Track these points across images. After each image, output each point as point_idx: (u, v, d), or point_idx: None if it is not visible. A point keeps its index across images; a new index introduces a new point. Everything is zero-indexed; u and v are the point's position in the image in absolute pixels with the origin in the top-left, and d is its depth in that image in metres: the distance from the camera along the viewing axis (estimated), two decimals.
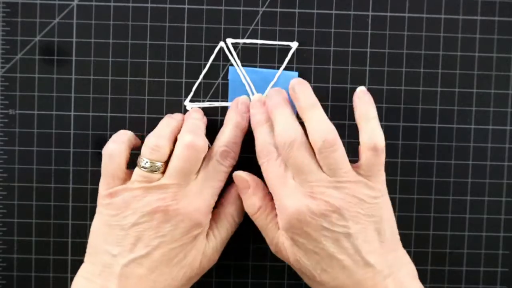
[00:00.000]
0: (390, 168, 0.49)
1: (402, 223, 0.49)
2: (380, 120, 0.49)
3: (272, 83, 0.49)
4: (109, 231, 0.43)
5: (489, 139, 0.50)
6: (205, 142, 0.44)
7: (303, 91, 0.45)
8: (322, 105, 0.49)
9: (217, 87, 0.49)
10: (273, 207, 0.45)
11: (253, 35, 0.49)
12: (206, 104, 0.49)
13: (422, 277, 0.49)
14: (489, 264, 0.50)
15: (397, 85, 0.49)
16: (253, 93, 0.49)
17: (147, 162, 0.43)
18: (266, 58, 0.49)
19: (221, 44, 0.49)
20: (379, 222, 0.43)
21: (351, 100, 0.49)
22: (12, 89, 0.49)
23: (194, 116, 0.47)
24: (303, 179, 0.43)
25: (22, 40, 0.49)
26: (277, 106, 0.45)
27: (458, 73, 0.49)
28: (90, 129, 0.49)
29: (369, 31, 0.49)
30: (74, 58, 0.49)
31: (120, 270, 0.42)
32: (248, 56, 0.49)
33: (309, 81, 0.49)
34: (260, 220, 0.46)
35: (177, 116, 0.47)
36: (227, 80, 0.49)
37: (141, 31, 0.49)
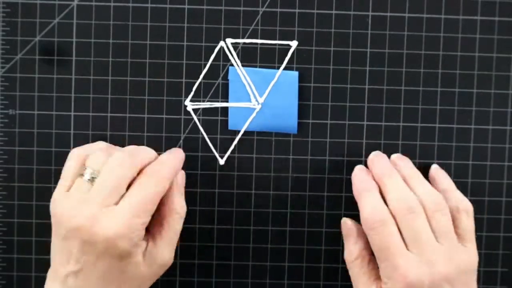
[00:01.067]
0: None
1: None
2: (380, 120, 0.49)
3: (272, 82, 0.49)
4: (54, 239, 0.43)
5: (489, 139, 0.50)
6: (140, 157, 0.43)
7: (405, 163, 0.48)
8: (322, 106, 0.49)
9: (217, 87, 0.49)
10: (370, 259, 0.46)
11: (253, 35, 0.49)
12: (207, 105, 0.49)
13: None
14: (489, 264, 0.50)
15: (397, 85, 0.49)
16: (253, 93, 0.49)
17: (86, 169, 0.43)
18: (266, 58, 0.49)
19: (221, 44, 0.49)
20: None
21: (351, 101, 0.49)
22: (12, 89, 0.49)
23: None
24: (420, 246, 0.43)
25: (22, 40, 0.49)
26: (388, 173, 0.46)
27: (458, 73, 0.49)
28: (90, 129, 0.49)
29: (369, 31, 0.49)
30: (74, 58, 0.49)
31: (63, 278, 0.42)
32: (248, 56, 0.49)
33: (309, 81, 0.49)
34: (356, 268, 0.46)
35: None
36: (227, 80, 0.49)
37: (141, 31, 0.49)
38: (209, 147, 0.49)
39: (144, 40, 0.49)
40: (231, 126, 0.49)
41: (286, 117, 0.49)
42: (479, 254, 0.50)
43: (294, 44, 0.49)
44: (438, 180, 0.48)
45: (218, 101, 0.49)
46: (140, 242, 0.43)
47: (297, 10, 0.49)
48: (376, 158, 0.48)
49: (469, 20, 0.49)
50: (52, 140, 0.49)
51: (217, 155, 0.49)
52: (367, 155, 0.49)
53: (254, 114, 0.49)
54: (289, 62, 0.49)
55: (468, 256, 0.44)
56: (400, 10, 0.49)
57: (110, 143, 0.49)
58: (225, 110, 0.49)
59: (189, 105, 0.49)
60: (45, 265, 0.49)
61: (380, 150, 0.49)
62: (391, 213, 0.44)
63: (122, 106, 0.49)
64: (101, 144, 0.46)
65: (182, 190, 0.47)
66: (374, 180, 0.47)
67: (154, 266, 0.44)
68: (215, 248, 0.50)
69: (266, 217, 0.50)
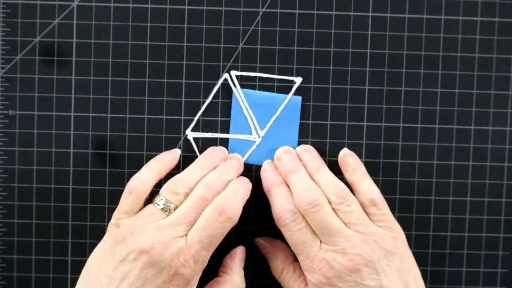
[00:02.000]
0: (390, 169, 0.49)
1: (402, 224, 0.49)
2: (380, 120, 0.49)
3: (274, 116, 0.49)
4: (105, 260, 0.43)
5: (489, 140, 0.50)
6: (235, 214, 0.44)
7: (310, 155, 0.48)
8: (322, 106, 0.49)
9: (216, 106, 0.49)
10: (296, 268, 0.47)
11: (253, 36, 0.49)
12: (208, 135, 0.49)
13: (422, 277, 0.49)
14: (489, 265, 0.50)
15: (397, 86, 0.49)
16: (255, 128, 0.49)
17: (162, 199, 0.44)
18: (266, 60, 0.49)
19: (225, 76, 0.49)
20: (405, 274, 0.44)
21: (351, 101, 0.49)
22: (12, 89, 0.49)
23: (224, 169, 0.47)
24: (331, 237, 0.43)
25: (22, 41, 0.49)
26: (292, 169, 0.46)
27: (458, 74, 0.49)
28: (90, 130, 0.49)
29: (369, 32, 0.49)
30: (74, 58, 0.49)
31: None
32: (248, 60, 0.49)
33: (309, 82, 0.49)
34: (284, 281, 0.47)
35: (215, 156, 0.47)
36: (227, 100, 0.49)
37: (141, 32, 0.49)
38: None
39: (144, 41, 0.49)
40: None
41: None
42: (479, 255, 0.50)
43: (298, 80, 0.49)
44: (345, 169, 0.48)
45: (218, 133, 0.49)
46: (200, 273, 0.44)
47: (297, 11, 0.49)
48: (283, 154, 0.48)
49: (469, 21, 0.49)
50: (52, 140, 0.49)
51: None
52: (367, 156, 0.49)
53: (254, 147, 0.49)
54: (289, 63, 0.49)
55: (387, 238, 0.44)
56: (400, 10, 0.49)
57: (110, 143, 0.49)
58: (224, 142, 0.49)
59: (190, 135, 0.49)
60: (45, 265, 0.49)
61: (380, 151, 0.49)
62: None
63: (122, 107, 0.49)
64: (154, 166, 0.46)
65: (243, 264, 0.48)
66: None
67: None
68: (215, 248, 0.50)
69: (266, 217, 0.50)
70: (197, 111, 0.49)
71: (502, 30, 0.49)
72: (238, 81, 0.49)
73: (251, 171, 0.49)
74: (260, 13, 0.49)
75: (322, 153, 0.49)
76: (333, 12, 0.49)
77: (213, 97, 0.49)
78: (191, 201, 0.44)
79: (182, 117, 0.49)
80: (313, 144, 0.49)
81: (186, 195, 0.44)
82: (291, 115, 0.49)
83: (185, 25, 0.49)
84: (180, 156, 0.48)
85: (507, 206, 0.50)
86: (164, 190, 0.45)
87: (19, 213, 0.50)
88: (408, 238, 0.50)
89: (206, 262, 0.44)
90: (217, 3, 0.49)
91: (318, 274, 0.43)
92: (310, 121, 0.49)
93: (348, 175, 0.47)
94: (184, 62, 0.49)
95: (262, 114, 0.49)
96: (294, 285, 0.46)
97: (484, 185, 0.50)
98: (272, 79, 0.49)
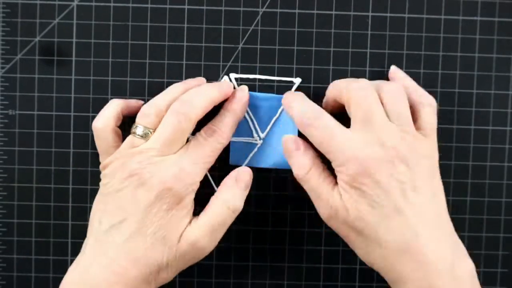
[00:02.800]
0: None
1: None
2: None
3: (274, 118, 0.49)
4: (101, 201, 0.44)
5: (489, 139, 0.50)
6: (195, 110, 0.44)
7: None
8: (322, 106, 0.49)
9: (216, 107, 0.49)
10: (324, 168, 0.44)
11: (253, 36, 0.49)
12: None
13: None
14: (489, 264, 0.50)
15: None
16: (256, 130, 0.49)
17: (137, 127, 0.44)
18: (266, 60, 0.49)
19: (225, 78, 0.49)
20: (436, 187, 0.43)
21: None
22: (12, 89, 0.49)
23: (204, 86, 0.46)
24: (371, 125, 0.42)
25: (22, 41, 0.49)
26: (349, 79, 0.46)
27: (458, 74, 0.49)
28: (90, 130, 0.49)
29: (369, 32, 0.49)
30: (74, 58, 0.49)
31: (101, 236, 0.42)
32: (249, 59, 0.49)
33: (309, 82, 0.49)
34: (313, 180, 0.44)
35: (189, 81, 0.47)
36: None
37: (141, 32, 0.49)
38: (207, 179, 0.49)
39: (144, 41, 0.49)
40: (232, 161, 0.49)
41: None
42: (479, 255, 0.50)
43: (297, 81, 0.49)
44: (398, 79, 0.47)
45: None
46: (193, 196, 0.44)
47: (297, 11, 0.49)
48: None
49: (469, 20, 0.49)
50: (52, 140, 0.49)
51: (216, 188, 0.49)
52: None
53: (255, 150, 0.49)
54: (289, 63, 0.49)
55: (425, 143, 0.43)
56: (400, 10, 0.49)
57: None
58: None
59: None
60: (45, 265, 0.49)
61: None
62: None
63: None
64: (116, 104, 0.47)
65: (242, 186, 0.46)
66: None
67: (185, 244, 0.43)
68: (215, 248, 0.50)
69: (266, 217, 0.50)
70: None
71: (502, 30, 0.49)
72: (237, 83, 0.49)
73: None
74: (260, 13, 0.49)
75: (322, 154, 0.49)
76: (333, 12, 0.49)
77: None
78: (167, 119, 0.43)
79: None
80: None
81: (159, 115, 0.44)
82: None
83: (185, 25, 0.49)
84: None
85: (507, 206, 0.50)
86: (138, 117, 0.44)
87: (19, 213, 0.50)
88: None
89: (198, 180, 0.43)
90: (217, 3, 0.49)
91: (352, 165, 0.41)
92: None
93: (402, 82, 0.47)
94: (184, 62, 0.49)
95: (262, 116, 0.49)
96: (324, 183, 0.43)
97: (484, 184, 0.50)
98: (272, 81, 0.49)
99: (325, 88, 0.49)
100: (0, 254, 0.50)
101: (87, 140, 0.49)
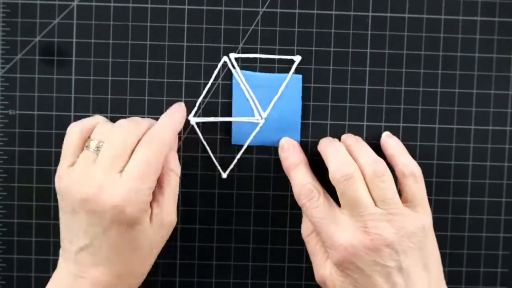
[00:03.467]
0: (390, 169, 0.49)
1: None
2: (380, 120, 0.49)
3: (275, 98, 0.49)
4: (63, 217, 0.44)
5: (489, 139, 0.50)
6: (139, 124, 0.44)
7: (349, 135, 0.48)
8: (322, 106, 0.49)
9: (217, 87, 0.49)
10: None
11: (253, 36, 0.49)
12: (210, 119, 0.49)
13: None
14: (489, 264, 0.50)
15: (397, 85, 0.49)
16: (257, 109, 0.49)
17: (91, 141, 0.43)
18: (266, 59, 0.49)
19: (224, 58, 0.49)
20: (427, 256, 0.44)
21: (351, 101, 0.49)
22: (12, 89, 0.49)
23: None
24: (357, 213, 0.43)
25: (22, 41, 0.49)
26: (331, 145, 0.47)
27: (458, 74, 0.49)
28: None
29: (369, 32, 0.49)
30: (74, 58, 0.49)
31: (74, 257, 0.42)
32: (249, 59, 0.49)
33: (309, 82, 0.49)
34: (311, 244, 0.46)
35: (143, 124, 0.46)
36: (227, 81, 0.49)
37: (141, 32, 0.49)
38: (209, 157, 0.49)
39: (144, 41, 0.49)
40: (234, 141, 0.49)
41: (289, 132, 0.49)
42: (479, 255, 0.50)
43: (297, 58, 0.49)
44: (386, 146, 0.48)
45: (219, 117, 0.49)
46: (147, 207, 0.43)
47: (297, 11, 0.49)
48: (324, 139, 0.48)
49: (469, 20, 0.49)
50: (52, 140, 0.49)
51: (219, 168, 0.49)
52: None
53: (257, 129, 0.49)
54: (289, 62, 0.49)
55: (413, 219, 0.43)
56: (400, 10, 0.49)
57: None
58: (226, 126, 0.49)
59: (193, 120, 0.49)
60: (45, 265, 0.49)
61: (380, 150, 0.49)
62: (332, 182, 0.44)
63: (122, 106, 0.49)
64: (98, 118, 0.46)
65: (175, 147, 0.46)
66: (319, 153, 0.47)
67: (162, 229, 0.44)
68: (215, 248, 0.50)
69: (266, 217, 0.50)
70: (196, 113, 0.49)
71: (502, 30, 0.49)
72: (237, 64, 0.49)
73: (252, 153, 0.50)
74: (260, 13, 0.49)
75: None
76: (333, 12, 0.49)
77: (214, 79, 0.49)
78: (111, 135, 0.43)
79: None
80: (312, 144, 0.49)
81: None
82: (293, 94, 0.49)
83: (185, 25, 0.49)
84: (181, 140, 0.49)
85: (507, 206, 0.50)
86: (93, 132, 0.44)
87: (19, 213, 0.50)
88: None
89: (150, 196, 0.43)
90: (217, 3, 0.49)
91: (336, 252, 0.43)
92: (310, 121, 0.49)
93: (388, 151, 0.47)
94: (184, 62, 0.49)
95: (263, 95, 0.49)
96: (319, 252, 0.46)
97: (484, 185, 0.50)
98: (272, 60, 0.49)
99: (326, 88, 0.49)
100: (0, 254, 0.50)
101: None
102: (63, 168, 0.44)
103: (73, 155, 0.44)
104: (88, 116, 0.49)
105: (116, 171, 0.42)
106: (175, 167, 0.45)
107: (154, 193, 0.44)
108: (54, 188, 0.49)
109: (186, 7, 0.49)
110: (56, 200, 0.49)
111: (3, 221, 0.50)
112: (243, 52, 0.49)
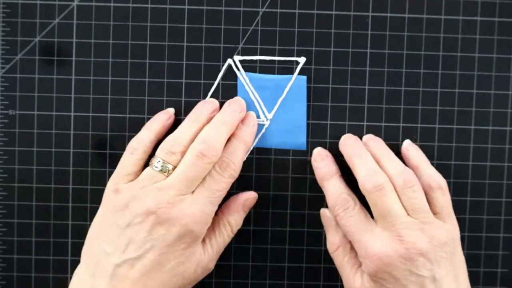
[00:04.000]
0: None
1: None
2: (380, 120, 0.49)
3: (280, 99, 0.49)
4: (107, 229, 0.43)
5: (489, 139, 0.50)
6: (216, 152, 0.44)
7: (376, 142, 0.48)
8: (322, 106, 0.49)
9: (222, 88, 0.49)
10: (352, 247, 0.46)
11: (253, 36, 0.49)
12: None
13: None
14: (489, 264, 0.50)
15: (397, 85, 0.49)
16: (263, 111, 0.49)
17: (159, 161, 0.44)
18: (266, 59, 0.49)
19: (229, 61, 0.49)
20: (457, 268, 0.44)
21: (351, 101, 0.49)
22: (12, 89, 0.49)
23: (220, 118, 0.46)
24: (390, 223, 0.43)
25: (22, 41, 0.49)
26: (357, 153, 0.47)
27: (458, 74, 0.49)
28: (90, 130, 0.49)
29: (369, 32, 0.49)
30: (74, 58, 0.49)
31: (112, 270, 0.42)
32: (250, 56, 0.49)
33: (309, 82, 0.49)
34: (339, 258, 0.46)
35: (206, 110, 0.47)
36: (229, 81, 0.49)
37: (141, 32, 0.49)
38: None
39: (144, 41, 0.49)
40: None
41: (295, 134, 0.49)
42: (479, 255, 0.50)
43: (302, 60, 0.49)
44: (410, 157, 0.48)
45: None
46: (206, 231, 0.44)
47: (297, 11, 0.49)
48: (347, 140, 0.48)
49: (469, 20, 0.49)
50: (52, 140, 0.49)
51: None
52: None
53: (263, 131, 0.49)
54: (289, 63, 0.49)
55: (444, 230, 0.44)
56: (400, 10, 0.49)
57: (110, 143, 0.49)
58: None
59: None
60: (45, 265, 0.49)
61: None
62: (362, 191, 0.45)
63: (122, 107, 0.49)
64: (153, 127, 0.47)
65: (246, 210, 0.48)
66: (346, 161, 0.47)
67: (199, 271, 0.45)
68: None
69: (266, 217, 0.50)
70: None
71: (502, 30, 0.49)
72: (241, 66, 0.49)
73: (252, 154, 0.50)
74: (260, 13, 0.49)
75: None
76: (333, 12, 0.49)
77: (213, 96, 0.49)
78: (189, 159, 0.44)
79: (182, 117, 0.49)
80: (313, 144, 0.49)
81: (182, 153, 0.44)
82: (298, 95, 0.49)
83: (185, 25, 0.49)
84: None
85: (507, 206, 0.50)
86: (159, 151, 0.45)
87: (19, 213, 0.50)
88: None
89: (211, 219, 0.44)
90: (217, 3, 0.49)
91: (371, 262, 0.43)
92: (310, 121, 0.49)
93: (412, 162, 0.47)
94: (184, 62, 0.49)
95: (268, 97, 0.49)
96: (347, 265, 0.46)
97: (484, 184, 0.50)
98: (275, 62, 0.49)
99: (326, 88, 0.49)
100: (0, 254, 0.50)
101: (87, 140, 0.49)
102: (123, 182, 0.44)
103: (133, 174, 0.45)
104: (88, 116, 0.49)
105: (187, 193, 0.43)
106: (235, 226, 0.47)
107: (204, 236, 0.45)
108: (54, 188, 0.49)
109: (186, 7, 0.49)
110: (56, 201, 0.49)
111: (3, 221, 0.50)
112: (243, 52, 0.49)
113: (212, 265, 0.46)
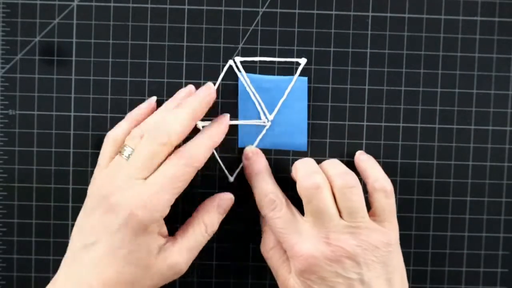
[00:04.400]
0: (390, 169, 0.49)
1: (402, 224, 0.49)
2: (380, 120, 0.49)
3: (281, 100, 0.49)
4: (80, 219, 0.44)
5: (489, 139, 0.50)
6: (168, 132, 0.43)
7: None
8: (322, 106, 0.49)
9: (218, 87, 0.49)
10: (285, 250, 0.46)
11: (253, 36, 0.49)
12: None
13: (422, 277, 0.49)
14: (489, 264, 0.50)
15: (397, 85, 0.49)
16: (263, 112, 0.49)
17: (125, 148, 0.44)
18: (267, 69, 0.49)
19: (230, 62, 0.49)
20: (391, 272, 0.43)
21: (351, 101, 0.49)
22: (12, 89, 0.49)
23: (181, 104, 0.46)
24: (321, 223, 0.43)
25: (22, 41, 0.49)
26: (300, 159, 0.47)
27: (458, 74, 0.49)
28: (90, 130, 0.49)
29: (369, 32, 0.49)
30: (74, 58, 0.49)
31: (74, 255, 0.43)
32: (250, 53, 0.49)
33: (309, 82, 0.49)
34: (273, 260, 0.46)
35: (180, 96, 0.47)
36: (230, 81, 0.49)
37: (141, 32, 0.49)
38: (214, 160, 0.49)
39: (144, 41, 0.49)
40: (241, 144, 0.49)
41: (296, 135, 0.49)
42: (479, 255, 0.50)
43: (303, 61, 0.49)
44: (358, 162, 0.48)
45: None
46: (160, 220, 0.43)
47: (297, 11, 0.49)
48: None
49: (469, 20, 0.49)
50: (52, 140, 0.49)
51: (227, 172, 0.50)
52: None
53: (264, 132, 0.49)
54: (289, 63, 0.49)
55: (379, 234, 0.43)
56: (400, 10, 0.49)
57: None
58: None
59: (199, 124, 0.48)
60: (45, 265, 0.49)
61: (380, 150, 0.49)
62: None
63: (122, 107, 0.49)
64: (132, 118, 0.47)
65: (222, 212, 0.47)
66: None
67: (163, 265, 0.44)
68: (215, 248, 0.50)
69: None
70: None
71: (502, 30, 0.49)
72: (242, 67, 0.49)
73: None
74: (260, 13, 0.49)
75: (321, 153, 0.49)
76: (333, 12, 0.49)
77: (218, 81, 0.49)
78: (140, 142, 0.43)
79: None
80: (313, 144, 0.49)
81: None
82: (298, 96, 0.49)
83: (185, 25, 0.49)
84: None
85: (507, 206, 0.50)
86: (128, 137, 0.44)
87: (19, 213, 0.50)
88: (408, 238, 0.50)
89: (167, 210, 0.43)
90: (217, 3, 0.49)
91: (298, 262, 0.43)
92: (310, 121, 0.49)
93: (360, 166, 0.48)
94: (184, 62, 0.49)
95: (269, 98, 0.49)
96: (281, 267, 0.46)
97: (484, 185, 0.50)
98: (275, 63, 0.49)
99: (326, 88, 0.49)
100: (0, 254, 0.50)
101: (87, 140, 0.49)
102: (98, 171, 0.45)
103: (108, 161, 0.45)
104: (88, 116, 0.49)
105: (141, 178, 0.43)
106: (210, 226, 0.46)
107: (176, 233, 0.45)
108: (54, 188, 0.49)
109: (186, 7, 0.49)
110: (55, 201, 0.49)
111: (3, 221, 0.50)
112: (243, 52, 0.49)
113: (182, 265, 0.44)
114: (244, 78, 0.49)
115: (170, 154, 0.44)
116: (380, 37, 0.49)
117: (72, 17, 0.49)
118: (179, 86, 0.49)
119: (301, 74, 0.49)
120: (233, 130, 0.49)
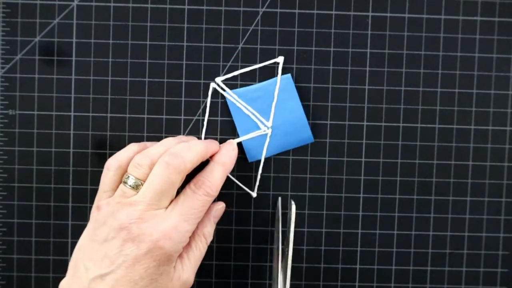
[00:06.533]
0: (390, 169, 0.49)
1: (402, 224, 0.49)
2: (380, 120, 0.49)
3: (273, 105, 0.49)
4: (89, 245, 0.43)
5: (489, 139, 0.50)
6: (184, 162, 0.43)
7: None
8: (322, 106, 0.49)
9: (216, 106, 0.49)
10: None
11: (253, 36, 0.49)
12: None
13: (422, 277, 0.49)
14: (489, 264, 0.50)
15: (397, 85, 0.49)
16: (261, 121, 0.49)
17: (128, 177, 0.44)
18: (266, 59, 0.49)
19: (212, 85, 0.49)
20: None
21: (351, 101, 0.49)
22: (12, 89, 0.49)
23: (193, 141, 0.46)
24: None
25: (22, 41, 0.49)
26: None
27: (458, 74, 0.49)
28: (90, 130, 0.49)
29: (369, 32, 0.49)
30: (74, 58, 0.49)
31: (87, 285, 0.42)
32: (249, 59, 0.49)
33: (309, 82, 0.49)
34: None
35: (181, 138, 0.47)
36: (218, 99, 0.49)
37: (141, 31, 0.49)
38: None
39: (144, 40, 0.49)
40: (250, 158, 0.49)
41: (299, 131, 0.49)
42: (479, 255, 0.50)
43: (280, 59, 0.49)
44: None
45: (225, 135, 0.49)
46: (181, 250, 0.44)
47: (297, 11, 0.49)
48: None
49: (469, 20, 0.49)
50: (52, 140, 0.49)
51: (248, 190, 0.50)
52: (367, 156, 0.49)
53: (268, 139, 0.49)
54: (289, 63, 0.49)
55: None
56: (400, 10, 0.49)
57: (110, 143, 0.49)
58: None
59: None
60: (45, 265, 0.50)
61: (380, 150, 0.49)
62: None
63: (122, 106, 0.49)
64: (134, 147, 0.46)
65: (215, 220, 0.48)
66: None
67: (178, 285, 0.44)
68: (215, 248, 0.50)
69: (267, 218, 0.50)
70: (196, 111, 0.49)
71: (502, 30, 0.49)
72: (226, 86, 0.49)
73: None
74: (260, 13, 0.49)
75: (321, 153, 0.49)
76: (333, 12, 0.49)
77: (208, 101, 0.49)
78: (155, 171, 0.43)
79: (182, 117, 0.49)
80: (313, 144, 0.49)
81: (150, 167, 0.44)
82: (289, 94, 0.49)
83: (185, 25, 0.49)
84: None
85: (507, 206, 0.50)
86: (129, 166, 0.44)
87: (19, 213, 0.50)
88: (408, 238, 0.50)
89: (187, 239, 0.44)
90: (217, 3, 0.49)
91: None
92: (310, 121, 0.49)
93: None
94: (184, 62, 0.49)
95: (261, 106, 0.49)
96: None
97: (484, 185, 0.50)
98: (257, 70, 0.49)
99: (325, 88, 0.49)
100: (0, 254, 0.50)
101: (87, 140, 0.49)
102: (102, 199, 0.44)
103: (111, 190, 0.45)
104: (88, 116, 0.49)
105: (159, 207, 0.43)
106: (208, 236, 0.47)
107: (185, 253, 0.45)
108: (54, 188, 0.49)
109: (186, 7, 0.49)
110: (55, 201, 0.49)
111: (3, 221, 0.50)
112: (243, 52, 0.49)
113: (191, 279, 0.45)
114: (231, 95, 0.49)
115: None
116: (380, 37, 0.49)
117: (72, 17, 0.49)
118: (179, 86, 0.49)
119: (302, 76, 0.49)
120: (238, 148, 0.49)
